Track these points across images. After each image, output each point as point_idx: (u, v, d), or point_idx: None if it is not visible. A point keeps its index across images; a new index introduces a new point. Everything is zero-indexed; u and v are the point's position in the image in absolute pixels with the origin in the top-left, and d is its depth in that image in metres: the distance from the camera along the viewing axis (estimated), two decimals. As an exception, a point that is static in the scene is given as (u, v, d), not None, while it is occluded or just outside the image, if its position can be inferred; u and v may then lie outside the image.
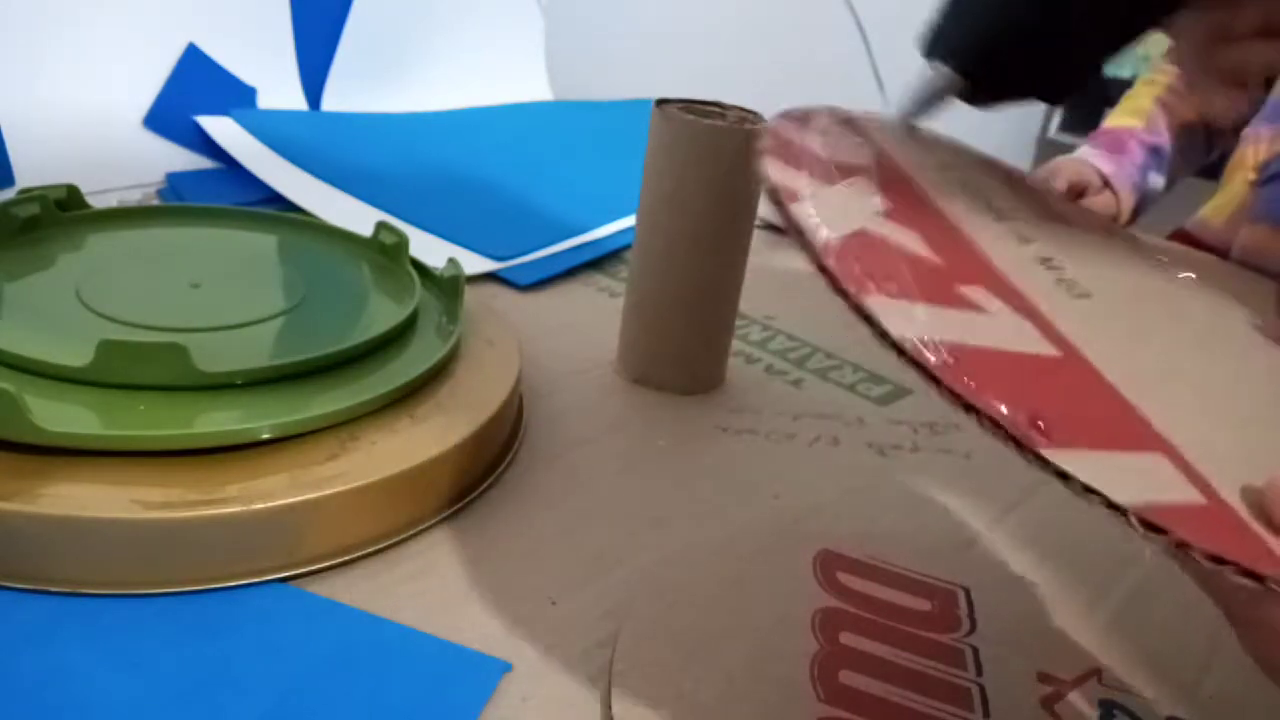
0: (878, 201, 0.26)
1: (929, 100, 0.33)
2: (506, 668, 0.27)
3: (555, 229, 0.60)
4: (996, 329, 0.23)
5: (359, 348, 0.35)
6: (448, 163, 0.69)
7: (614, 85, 1.02)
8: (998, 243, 0.27)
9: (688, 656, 0.28)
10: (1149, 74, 0.91)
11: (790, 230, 0.23)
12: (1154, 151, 0.84)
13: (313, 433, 0.31)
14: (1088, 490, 0.19)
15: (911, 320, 0.21)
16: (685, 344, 0.44)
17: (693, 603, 0.30)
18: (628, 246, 0.60)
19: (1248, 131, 0.80)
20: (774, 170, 0.25)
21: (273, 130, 0.66)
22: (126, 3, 0.62)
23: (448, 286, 0.41)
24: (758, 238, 0.44)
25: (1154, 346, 0.26)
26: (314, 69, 0.74)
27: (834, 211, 0.24)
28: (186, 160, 0.64)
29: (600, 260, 0.59)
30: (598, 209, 0.64)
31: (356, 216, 0.56)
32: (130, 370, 0.31)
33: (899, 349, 0.20)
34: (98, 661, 0.25)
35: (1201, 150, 0.89)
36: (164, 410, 0.30)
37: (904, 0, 1.10)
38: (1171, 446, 0.21)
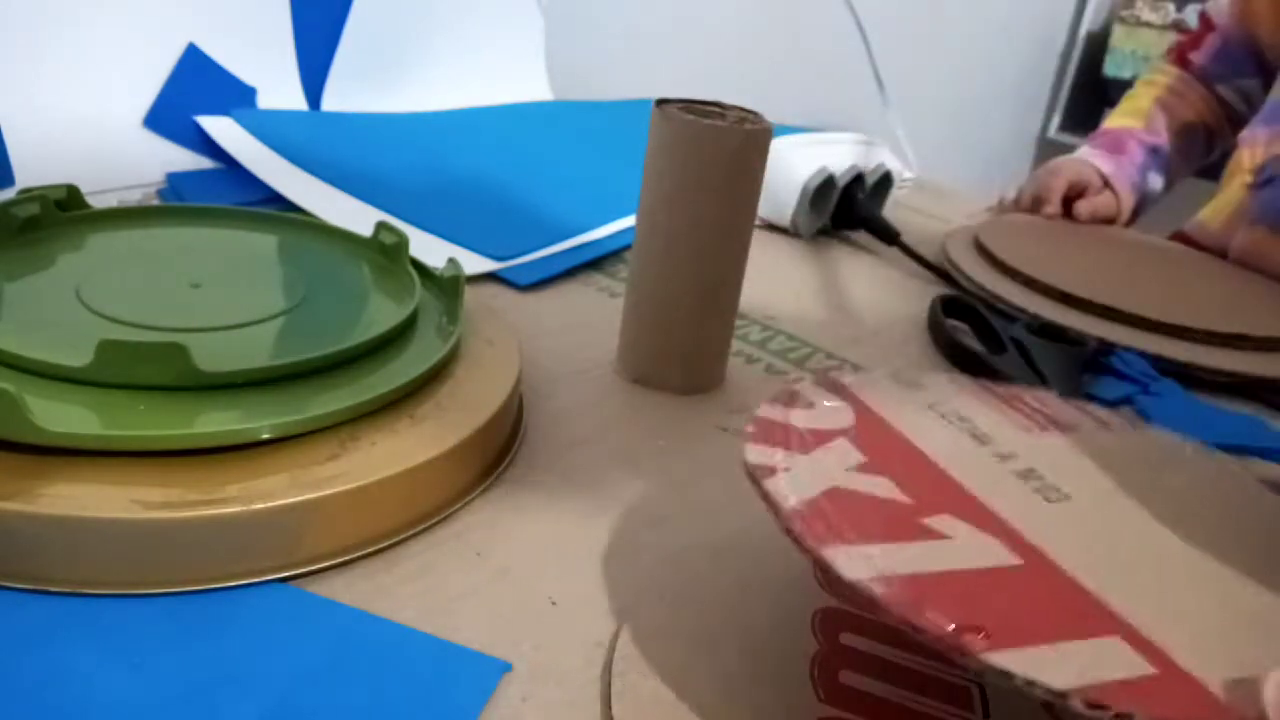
0: (855, 457, 0.29)
1: None
2: (506, 668, 0.27)
3: (555, 229, 0.60)
4: (957, 552, 0.25)
5: (359, 348, 0.35)
6: (448, 163, 0.69)
7: (614, 85, 1.02)
8: (975, 467, 0.30)
9: (688, 656, 0.28)
10: (1149, 74, 0.91)
11: (766, 504, 0.26)
12: (1153, 152, 0.84)
13: (313, 433, 0.31)
14: (1028, 684, 0.20)
15: (867, 561, 0.24)
16: (685, 344, 0.44)
17: (692, 603, 0.30)
18: (628, 246, 0.60)
19: (1244, 134, 0.80)
20: (752, 453, 0.28)
21: (273, 130, 0.66)
22: (126, 3, 0.62)
23: (448, 286, 0.41)
24: (758, 238, 0.44)
25: (1131, 531, 0.28)
26: (314, 69, 0.74)
27: (807, 477, 0.27)
28: (186, 160, 0.64)
29: (600, 260, 0.59)
30: (598, 209, 0.64)
31: (356, 216, 0.56)
32: (130, 370, 0.31)
33: (852, 589, 0.23)
34: (98, 661, 0.25)
35: (1201, 150, 0.89)
36: (164, 410, 0.30)
37: (904, 1, 1.11)
38: (1128, 626, 0.23)
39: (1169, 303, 0.59)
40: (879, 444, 0.30)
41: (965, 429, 0.33)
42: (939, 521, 0.26)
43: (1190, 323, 0.56)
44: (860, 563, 0.24)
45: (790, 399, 0.32)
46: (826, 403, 0.32)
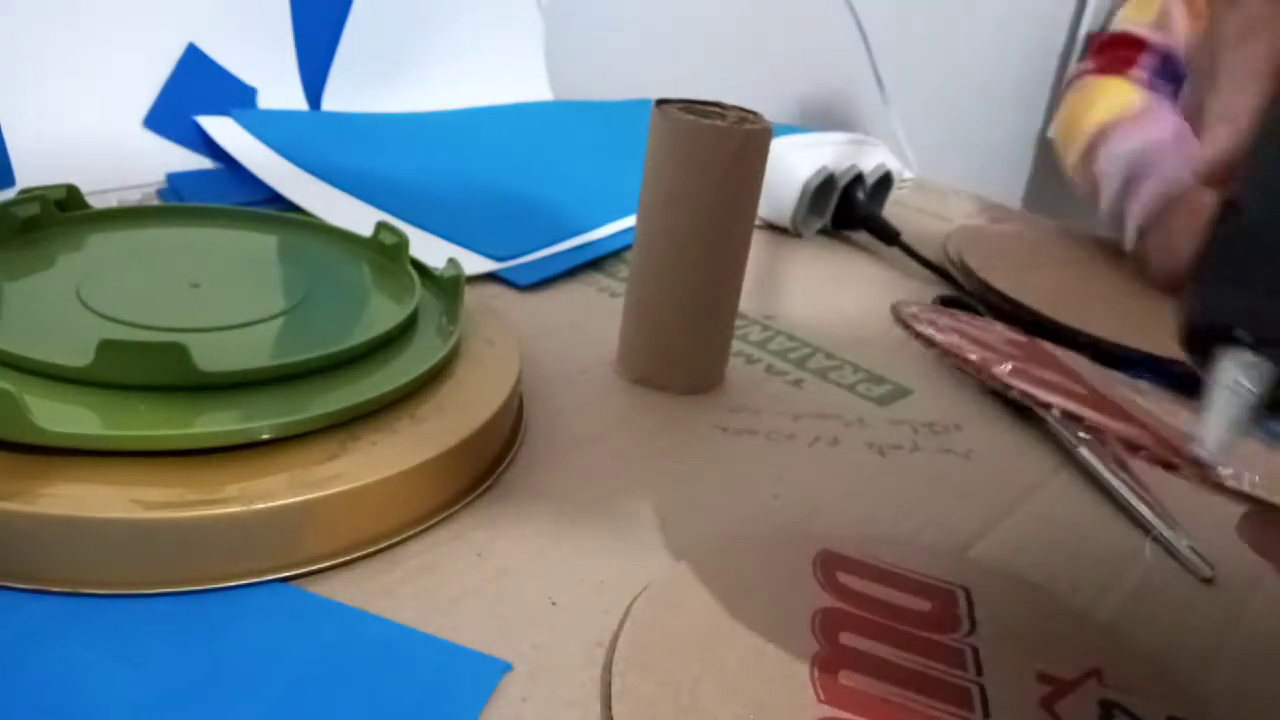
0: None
1: (1242, 411, 0.22)
2: (507, 668, 0.27)
3: (555, 229, 0.60)
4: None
5: (359, 348, 0.35)
6: (448, 163, 0.69)
7: (614, 85, 1.02)
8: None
9: (688, 656, 0.28)
10: (1088, 85, 0.81)
11: (901, 326, 0.26)
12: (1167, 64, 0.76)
13: (313, 433, 0.31)
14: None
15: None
16: (685, 344, 0.44)
17: (693, 603, 0.30)
18: (628, 247, 0.60)
19: None
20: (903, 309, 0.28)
21: (273, 130, 0.66)
22: (126, 3, 0.62)
23: (448, 286, 0.41)
24: (758, 238, 0.44)
25: None
26: (314, 69, 0.74)
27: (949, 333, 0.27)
28: (186, 160, 0.64)
29: (600, 260, 0.59)
30: (598, 209, 0.64)
31: (356, 216, 0.56)
32: (130, 370, 0.31)
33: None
34: (98, 662, 0.25)
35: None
36: (164, 410, 0.30)
37: (904, 1, 1.11)
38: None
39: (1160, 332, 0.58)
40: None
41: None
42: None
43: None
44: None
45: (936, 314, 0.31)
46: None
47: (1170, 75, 0.77)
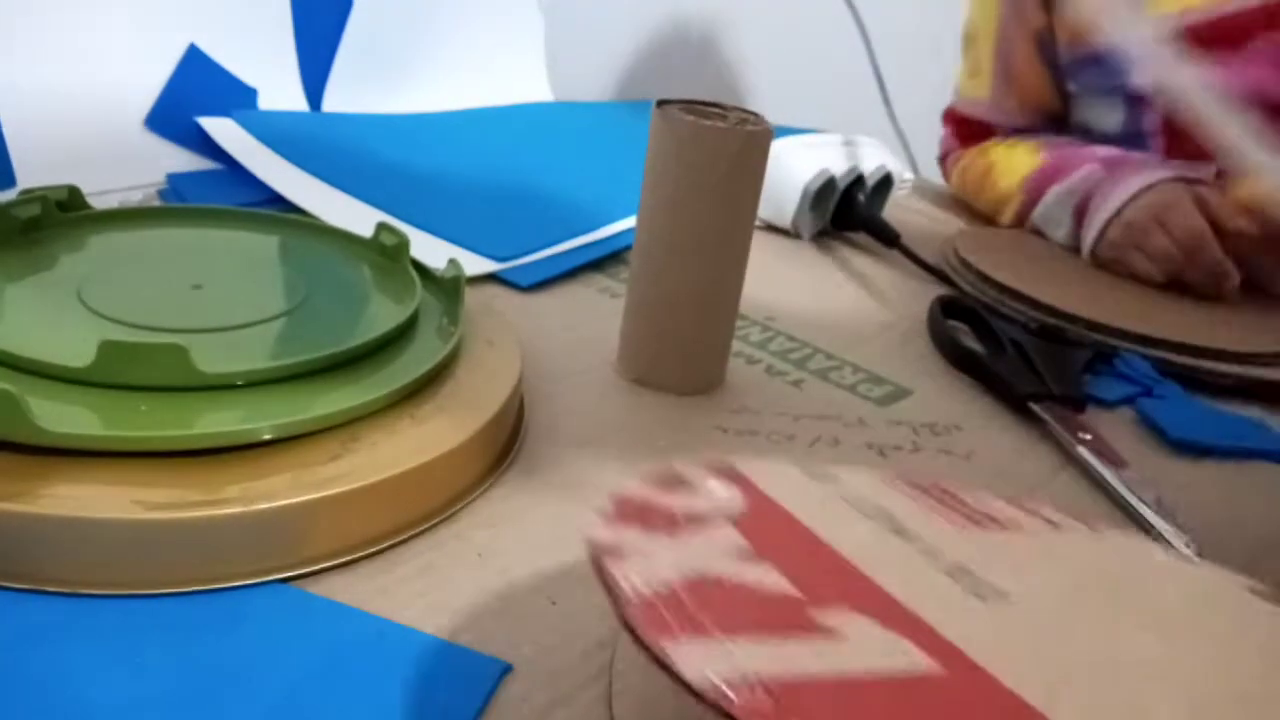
0: (736, 544, 0.24)
1: None
2: (507, 668, 0.27)
3: (555, 230, 0.60)
4: (851, 653, 0.20)
5: (360, 348, 0.35)
6: (448, 163, 0.69)
7: (614, 85, 1.02)
8: (891, 561, 0.25)
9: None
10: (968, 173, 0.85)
11: (604, 589, 0.21)
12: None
13: (314, 433, 0.31)
14: None
15: (725, 657, 0.19)
16: (685, 344, 0.44)
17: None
18: (628, 247, 0.60)
19: None
20: (599, 531, 0.23)
21: (273, 131, 0.66)
22: (127, 3, 0.62)
23: (448, 287, 0.41)
24: (758, 238, 0.44)
25: (1092, 640, 0.23)
26: (315, 70, 0.74)
27: (667, 563, 0.22)
28: (187, 161, 0.64)
29: (600, 261, 0.59)
30: (598, 210, 0.64)
31: (357, 217, 0.56)
32: (131, 371, 0.31)
33: (697, 695, 0.18)
34: (98, 662, 0.25)
35: None
36: (165, 411, 0.31)
37: (905, 1, 1.11)
38: None
39: (1169, 317, 0.59)
40: (771, 532, 0.25)
41: (884, 523, 0.27)
42: (833, 616, 0.21)
43: (1202, 341, 0.54)
44: (713, 659, 0.19)
45: (667, 481, 0.27)
46: (713, 489, 0.27)
47: (1029, 133, 0.82)
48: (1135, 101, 0.73)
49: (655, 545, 0.23)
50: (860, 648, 0.20)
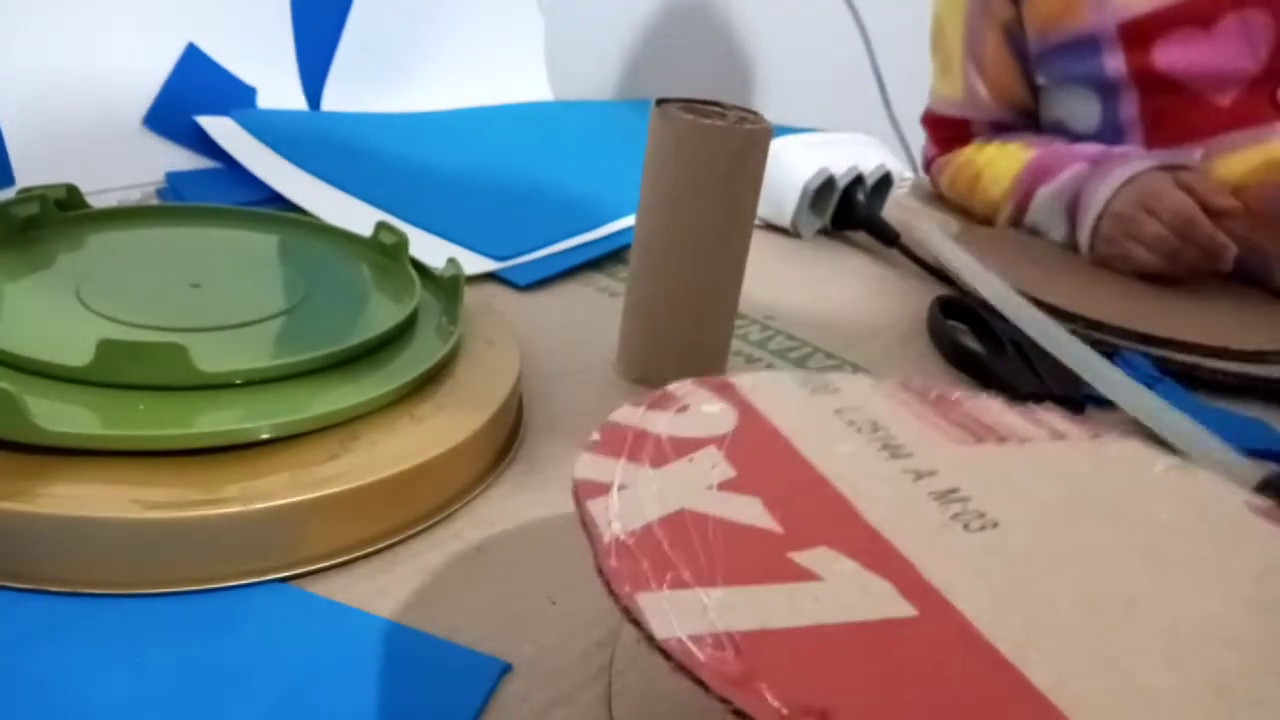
0: (720, 471, 0.23)
1: None
2: (506, 668, 0.27)
3: (555, 229, 0.60)
4: (830, 599, 0.20)
5: (359, 348, 0.35)
6: (448, 163, 0.69)
7: (614, 85, 1.02)
8: (878, 486, 0.24)
9: (688, 656, 0.28)
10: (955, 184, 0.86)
11: (584, 530, 0.21)
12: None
13: (313, 432, 0.31)
14: None
15: (699, 611, 0.18)
16: (685, 344, 0.44)
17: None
18: (628, 246, 0.60)
19: None
20: (584, 465, 0.23)
21: (273, 130, 0.66)
22: (127, 3, 0.62)
23: (448, 286, 0.41)
24: (758, 238, 0.44)
25: (1074, 572, 0.22)
26: (314, 69, 0.74)
27: (648, 497, 0.22)
28: (186, 160, 0.64)
29: (600, 260, 0.59)
30: (598, 209, 0.64)
31: (356, 216, 0.56)
32: (130, 370, 0.31)
33: (664, 653, 0.17)
34: (98, 661, 0.25)
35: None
36: (164, 410, 0.30)
37: (905, 1, 1.11)
38: (1056, 710, 0.17)
39: (1170, 315, 0.59)
40: (757, 456, 0.24)
41: (876, 439, 0.26)
42: (813, 557, 0.21)
43: (1202, 339, 0.55)
44: (686, 614, 0.18)
45: (658, 401, 0.26)
46: (705, 407, 0.26)
47: (1005, 129, 0.84)
48: (1109, 91, 0.73)
49: (638, 479, 0.23)
50: (837, 593, 0.20)
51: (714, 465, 0.24)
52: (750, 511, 0.22)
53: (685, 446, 0.24)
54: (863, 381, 0.30)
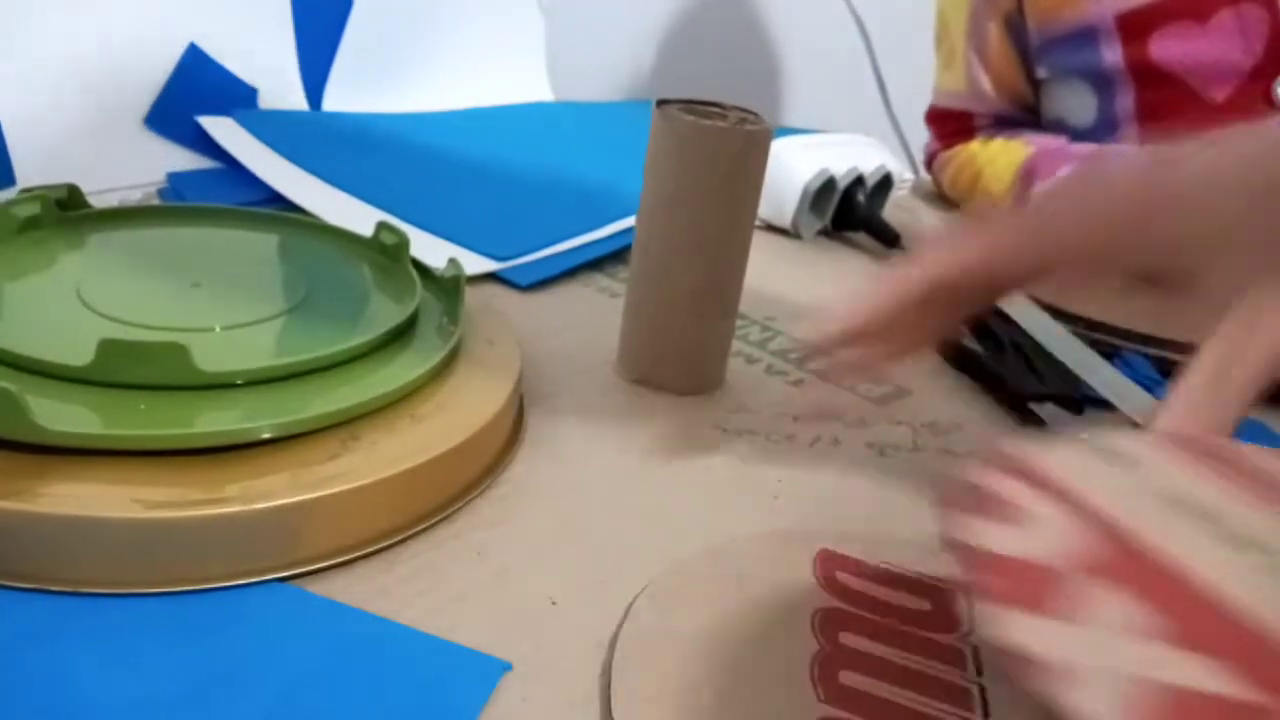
0: (1143, 621, 0.18)
1: None
2: (506, 668, 0.27)
3: (555, 229, 0.60)
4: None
5: (360, 348, 0.35)
6: (448, 163, 0.69)
7: (614, 85, 1.02)
8: (1231, 575, 0.20)
9: (687, 656, 0.28)
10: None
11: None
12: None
13: (313, 432, 0.31)
14: None
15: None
16: (685, 344, 0.44)
17: (692, 603, 0.30)
18: (628, 247, 0.60)
19: None
20: (1019, 629, 0.18)
21: (274, 130, 0.66)
22: (127, 2, 0.62)
23: (448, 286, 0.41)
24: (758, 238, 0.44)
25: None
26: (315, 69, 0.75)
27: (1103, 669, 0.17)
28: (187, 160, 0.64)
29: (600, 260, 0.59)
30: (598, 209, 0.64)
31: (357, 216, 0.56)
32: (131, 370, 0.31)
33: None
34: (98, 661, 0.25)
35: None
36: (165, 410, 0.30)
37: (905, 1, 1.11)
38: None
39: (1170, 315, 0.59)
40: (1145, 585, 0.19)
41: (1219, 532, 0.21)
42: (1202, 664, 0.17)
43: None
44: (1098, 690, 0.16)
45: (983, 505, 0.21)
46: (1034, 509, 0.21)
47: (1009, 123, 0.84)
48: (1105, 85, 0.74)
49: (1077, 643, 0.18)
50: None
51: (1128, 615, 0.19)
52: (1217, 679, 0.17)
53: (1054, 582, 0.19)
54: (1139, 442, 0.26)
